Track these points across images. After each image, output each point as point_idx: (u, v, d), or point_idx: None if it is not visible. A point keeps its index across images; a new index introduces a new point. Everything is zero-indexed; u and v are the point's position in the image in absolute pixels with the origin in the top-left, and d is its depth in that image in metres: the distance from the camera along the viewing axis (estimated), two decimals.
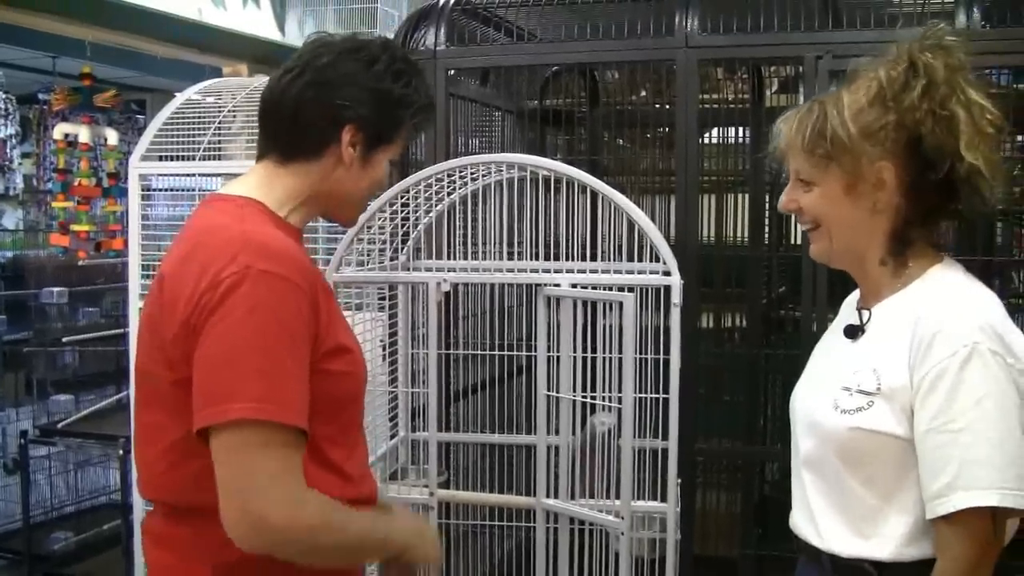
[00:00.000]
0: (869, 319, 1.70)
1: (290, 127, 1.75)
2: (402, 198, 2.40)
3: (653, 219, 2.40)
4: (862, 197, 1.64)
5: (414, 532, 1.80)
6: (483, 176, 2.47)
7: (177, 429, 1.60)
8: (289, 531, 1.52)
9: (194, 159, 3.78)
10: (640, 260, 2.33)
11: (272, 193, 1.75)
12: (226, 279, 1.54)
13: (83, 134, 5.66)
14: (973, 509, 1.49)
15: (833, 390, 1.67)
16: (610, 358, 2.29)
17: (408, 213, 2.51)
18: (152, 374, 1.63)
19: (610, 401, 2.27)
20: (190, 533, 1.64)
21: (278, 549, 1.53)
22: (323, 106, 1.73)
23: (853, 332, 1.73)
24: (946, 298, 1.60)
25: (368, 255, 2.48)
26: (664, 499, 2.34)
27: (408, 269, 2.55)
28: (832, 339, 1.81)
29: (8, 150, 6.86)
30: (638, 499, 2.35)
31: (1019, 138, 3.30)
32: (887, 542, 1.61)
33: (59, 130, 5.68)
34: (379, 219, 2.42)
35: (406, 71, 1.80)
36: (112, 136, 5.87)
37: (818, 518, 1.73)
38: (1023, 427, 1.53)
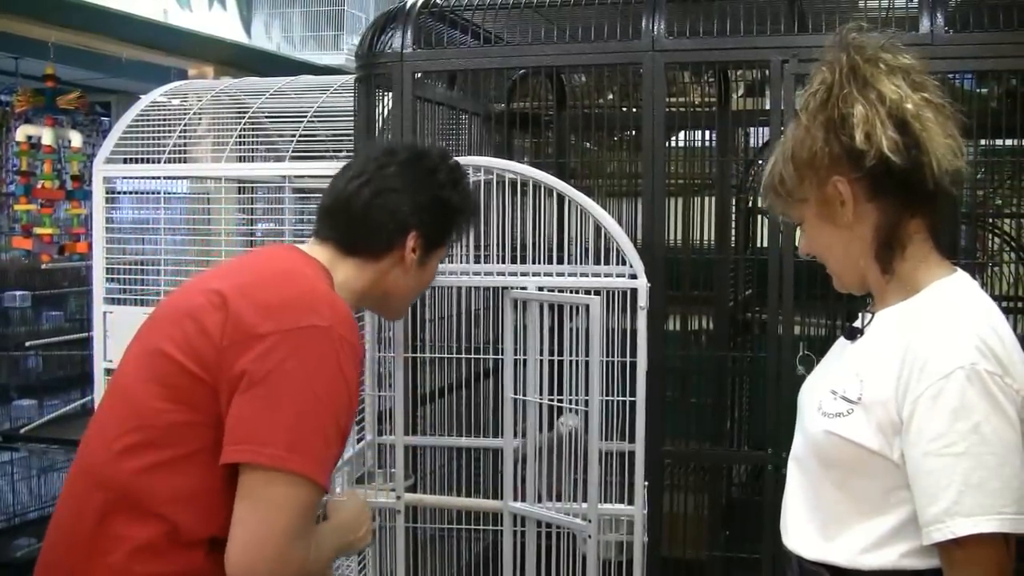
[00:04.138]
0: (869, 322, 1.70)
1: (359, 228, 1.88)
2: None
3: (620, 222, 2.41)
4: (836, 218, 1.64)
5: (349, 529, 1.89)
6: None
7: (168, 415, 1.63)
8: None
9: (159, 162, 3.77)
10: (607, 263, 2.34)
11: (335, 274, 1.85)
12: (308, 328, 1.63)
13: (46, 136, 5.61)
14: (984, 535, 1.47)
15: (823, 390, 1.68)
16: (577, 361, 2.30)
17: None
18: (170, 358, 1.66)
19: (577, 404, 2.28)
20: (143, 537, 1.63)
21: None
22: (392, 213, 1.88)
23: (852, 334, 1.73)
24: (944, 315, 1.58)
25: None
26: (631, 502, 2.35)
27: None
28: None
29: None
30: (605, 502, 2.36)
31: (983, 142, 3.33)
32: (848, 548, 1.61)
33: (22, 132, 5.63)
34: None
35: (460, 178, 1.99)
36: (76, 138, 5.82)
37: (789, 515, 1.75)
38: (1020, 449, 1.51)
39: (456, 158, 2.07)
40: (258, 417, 1.59)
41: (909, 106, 1.57)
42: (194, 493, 1.63)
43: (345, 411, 1.68)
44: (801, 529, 1.71)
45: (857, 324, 1.74)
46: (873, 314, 1.70)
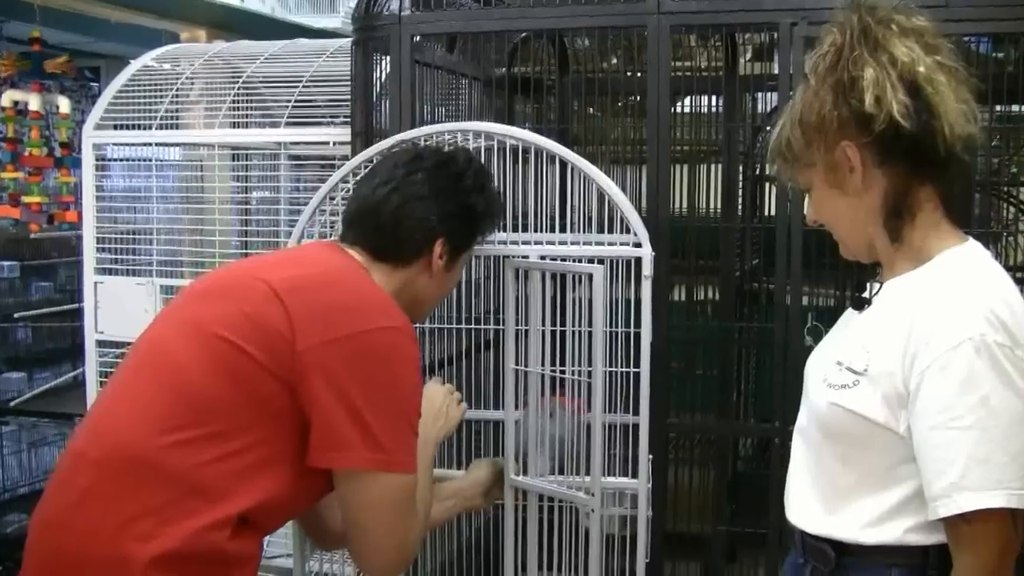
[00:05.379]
0: (877, 292, 1.70)
1: (388, 236, 1.97)
2: (366, 167, 2.40)
3: (624, 190, 2.42)
4: (844, 184, 1.65)
5: (435, 425, 2.16)
6: (450, 145, 2.48)
7: (219, 387, 1.71)
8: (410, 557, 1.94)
9: (151, 128, 3.77)
10: (611, 232, 2.34)
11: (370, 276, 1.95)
12: (386, 329, 1.77)
13: (33, 102, 5.60)
14: (991, 510, 1.48)
15: (829, 362, 1.69)
16: (580, 331, 2.31)
17: None
18: (230, 343, 1.73)
19: (580, 375, 2.29)
20: (169, 512, 1.66)
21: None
22: (420, 221, 1.96)
23: (860, 304, 1.73)
24: (954, 285, 1.58)
25: (332, 227, 2.47)
26: (635, 475, 2.36)
27: None
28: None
29: None
30: (609, 475, 2.37)
31: (998, 108, 3.32)
32: (850, 523, 1.63)
33: (8, 97, 5.62)
34: (342, 190, 2.42)
35: (486, 183, 2.08)
36: (64, 104, 5.82)
37: (793, 489, 1.76)
38: None
39: (479, 161, 2.16)
40: (353, 421, 1.71)
41: (921, 69, 1.57)
42: (227, 463, 1.69)
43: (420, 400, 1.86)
44: (804, 503, 1.73)
45: (865, 294, 1.74)
46: (881, 283, 1.71)
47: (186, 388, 1.71)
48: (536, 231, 2.41)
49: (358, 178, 2.35)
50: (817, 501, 1.70)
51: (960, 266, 1.61)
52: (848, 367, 1.63)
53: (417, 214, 1.97)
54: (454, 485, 2.36)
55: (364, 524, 1.80)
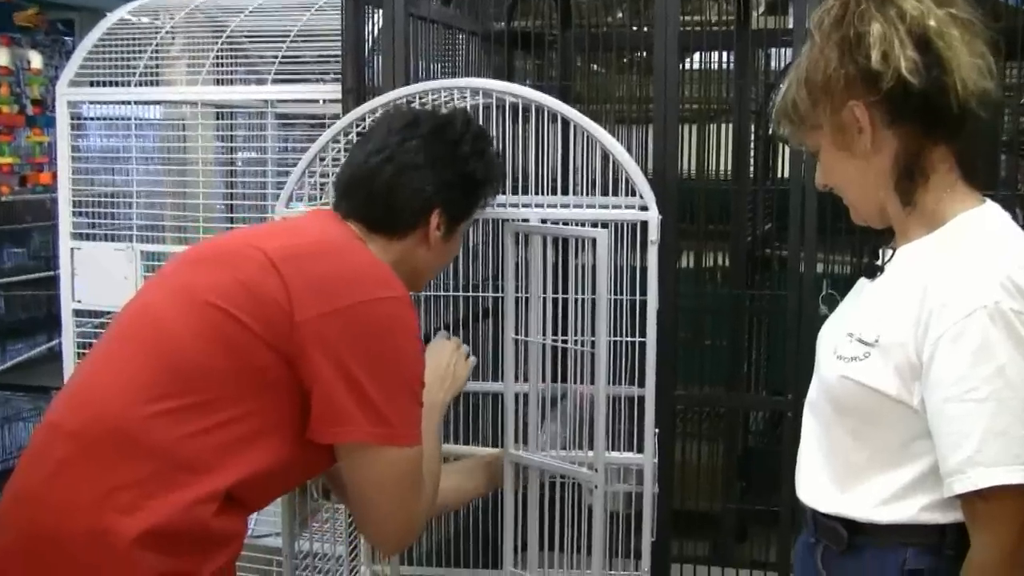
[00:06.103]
0: (890, 259, 1.70)
1: (381, 208, 1.99)
2: (358, 127, 2.40)
3: (629, 150, 2.42)
4: (853, 146, 1.65)
5: (440, 388, 2.19)
6: (446, 103, 2.48)
7: (211, 357, 1.73)
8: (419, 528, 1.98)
9: (129, 85, 3.76)
10: (615, 194, 2.34)
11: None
12: (388, 300, 1.80)
13: (2, 56, 5.59)
14: (1008, 486, 1.47)
15: (840, 333, 1.69)
16: (583, 299, 2.31)
17: None
18: (221, 310, 1.75)
19: (583, 345, 2.30)
20: (154, 484, 1.67)
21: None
22: (415, 192, 1.98)
23: (871, 271, 1.73)
24: (968, 249, 1.57)
25: (321, 189, 2.48)
26: (641, 450, 2.37)
27: None
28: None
29: None
30: (613, 450, 2.38)
31: None
32: (863, 501, 1.64)
33: None
34: (333, 150, 2.42)
35: (485, 147, 2.09)
36: (36, 59, 5.80)
37: (803, 466, 1.77)
38: None
39: (479, 124, 2.16)
40: (354, 394, 1.74)
41: (932, 23, 1.57)
42: (215, 434, 1.72)
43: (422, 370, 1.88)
44: (815, 480, 1.74)
45: (877, 261, 1.75)
46: (894, 250, 1.70)
47: (175, 356, 1.72)
48: (537, 193, 2.41)
49: (350, 138, 2.35)
50: (829, 478, 1.71)
51: (975, 230, 1.61)
52: (859, 338, 1.63)
53: (412, 184, 1.98)
54: (488, 457, 2.45)
55: (370, 497, 1.84)
